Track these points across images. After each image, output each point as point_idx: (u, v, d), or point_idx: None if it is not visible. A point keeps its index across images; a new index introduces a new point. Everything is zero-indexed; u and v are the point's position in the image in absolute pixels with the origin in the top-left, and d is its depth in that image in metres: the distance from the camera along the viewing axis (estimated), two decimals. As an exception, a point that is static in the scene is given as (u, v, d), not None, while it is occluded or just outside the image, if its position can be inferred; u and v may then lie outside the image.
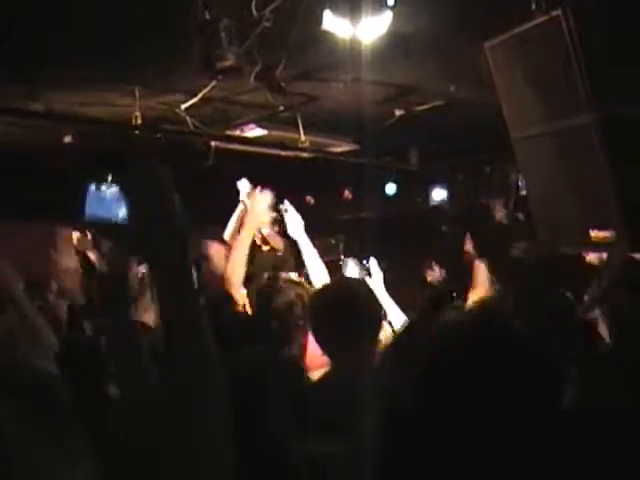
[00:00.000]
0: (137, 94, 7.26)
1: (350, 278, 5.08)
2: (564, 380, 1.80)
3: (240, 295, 4.82)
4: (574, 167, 4.60)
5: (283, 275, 4.65)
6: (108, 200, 1.79)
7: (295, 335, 3.92)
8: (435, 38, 6.02)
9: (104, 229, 1.81)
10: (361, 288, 3.77)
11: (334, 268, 10.42)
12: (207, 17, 4.92)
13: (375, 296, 3.75)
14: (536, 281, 4.18)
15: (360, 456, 2.04)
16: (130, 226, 1.68)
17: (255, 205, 5.18)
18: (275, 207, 5.29)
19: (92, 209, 1.78)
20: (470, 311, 2.47)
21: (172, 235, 1.66)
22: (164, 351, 1.63)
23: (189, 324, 1.64)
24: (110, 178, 1.83)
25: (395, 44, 5.46)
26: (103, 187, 1.81)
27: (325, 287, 4.15)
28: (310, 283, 5.03)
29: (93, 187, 1.81)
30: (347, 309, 3.43)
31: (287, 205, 5.31)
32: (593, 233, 4.57)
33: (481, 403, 1.61)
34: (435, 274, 11.04)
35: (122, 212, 1.72)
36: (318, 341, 3.52)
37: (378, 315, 3.64)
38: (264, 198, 5.25)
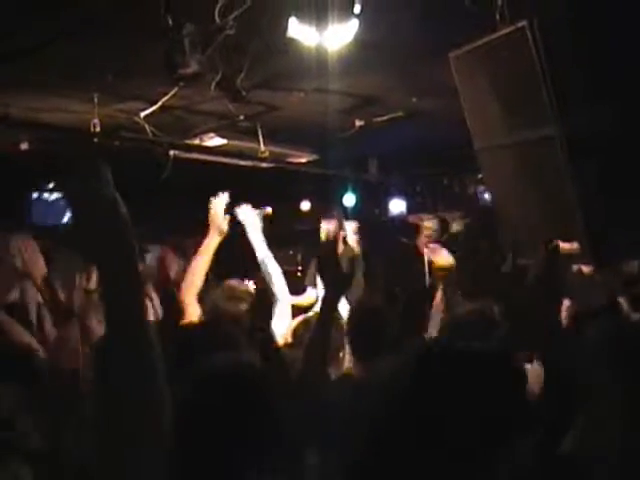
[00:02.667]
0: (96, 100, 7.16)
1: None
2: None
3: (191, 301, 4.77)
4: (538, 178, 4.61)
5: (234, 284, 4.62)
6: (52, 206, 1.80)
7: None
8: (399, 48, 6.00)
9: (48, 233, 1.83)
10: None
11: (292, 278, 10.38)
12: (170, 23, 4.85)
13: None
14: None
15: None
16: (75, 229, 1.66)
17: (213, 211, 5.17)
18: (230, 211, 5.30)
19: (36, 216, 1.79)
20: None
21: (118, 236, 1.66)
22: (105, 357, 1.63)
23: (132, 332, 1.64)
24: (52, 184, 1.84)
25: (360, 53, 5.43)
26: (45, 194, 1.82)
27: None
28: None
29: (36, 194, 1.82)
30: None
31: (245, 208, 5.34)
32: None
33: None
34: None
35: (66, 217, 1.73)
36: None
37: None
38: (219, 202, 5.23)
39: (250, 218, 5.58)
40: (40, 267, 4.81)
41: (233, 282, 4.84)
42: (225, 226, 5.19)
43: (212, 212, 5.17)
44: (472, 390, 1.64)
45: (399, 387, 1.70)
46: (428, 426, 1.60)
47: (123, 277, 1.65)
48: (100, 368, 2.73)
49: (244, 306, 4.23)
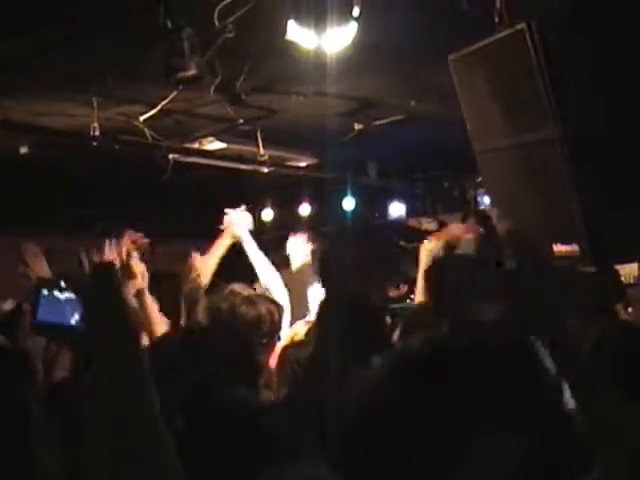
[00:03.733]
0: (95, 104, 7.16)
1: None
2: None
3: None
4: (538, 181, 4.61)
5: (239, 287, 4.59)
6: (61, 305, 1.81)
7: (256, 354, 3.86)
8: (398, 51, 6.01)
9: (56, 333, 1.83)
10: None
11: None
12: (169, 26, 4.86)
13: None
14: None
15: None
16: (84, 333, 1.68)
17: (239, 219, 5.29)
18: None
19: (44, 313, 1.80)
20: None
21: (125, 341, 1.64)
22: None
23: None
24: (63, 283, 1.85)
25: (358, 56, 5.43)
26: (56, 292, 1.82)
27: None
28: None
29: (45, 291, 1.82)
30: None
31: (235, 211, 5.44)
32: (556, 247, 4.57)
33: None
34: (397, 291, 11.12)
35: (75, 317, 1.74)
36: None
37: None
38: (246, 217, 5.37)
39: (241, 221, 5.61)
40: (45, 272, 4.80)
41: (239, 286, 4.82)
42: (239, 231, 5.34)
43: (227, 217, 5.34)
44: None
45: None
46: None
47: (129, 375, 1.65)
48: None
49: (262, 309, 4.20)
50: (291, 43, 4.86)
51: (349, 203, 11.04)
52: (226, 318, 4.25)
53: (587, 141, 4.20)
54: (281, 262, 8.00)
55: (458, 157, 6.50)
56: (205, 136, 8.54)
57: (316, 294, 7.36)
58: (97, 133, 7.31)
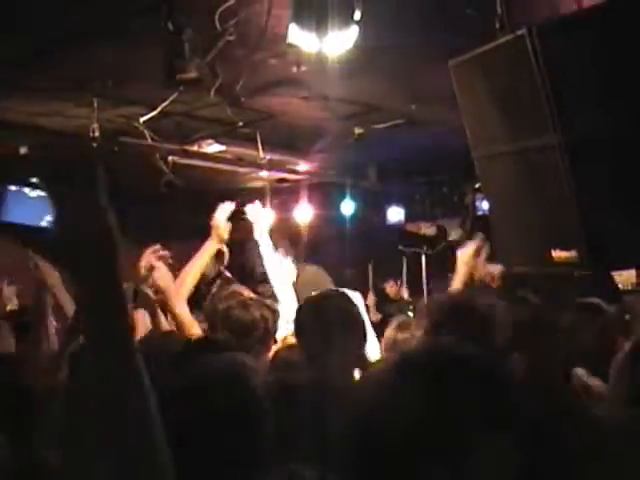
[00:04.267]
0: (95, 105, 7.16)
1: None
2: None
3: (181, 307, 4.74)
4: (537, 187, 4.60)
5: (244, 292, 4.58)
6: (31, 203, 1.63)
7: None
8: (399, 55, 6.02)
9: (23, 235, 1.63)
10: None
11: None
12: (171, 28, 4.86)
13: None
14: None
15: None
16: (55, 233, 1.53)
17: (217, 219, 5.15)
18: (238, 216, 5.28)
19: (11, 212, 1.63)
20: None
21: (103, 246, 1.52)
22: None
23: (116, 358, 1.50)
24: (35, 180, 1.66)
25: (359, 60, 5.44)
26: (26, 189, 1.65)
27: None
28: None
29: (13, 188, 1.65)
30: None
31: (255, 206, 5.32)
32: (555, 253, 4.56)
33: None
34: (393, 289, 11.17)
35: (46, 217, 1.56)
36: None
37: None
38: (223, 210, 5.21)
39: (260, 217, 5.55)
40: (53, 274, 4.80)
41: (241, 289, 4.81)
42: (226, 234, 5.18)
43: (215, 219, 5.16)
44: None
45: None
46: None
47: (105, 294, 1.51)
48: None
49: (256, 314, 4.20)
50: (292, 46, 4.87)
51: (348, 207, 11.05)
52: (219, 321, 4.26)
53: (587, 147, 4.20)
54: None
55: (457, 162, 6.51)
56: (204, 138, 8.54)
57: None
58: (97, 134, 7.31)
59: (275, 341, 4.36)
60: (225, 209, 5.24)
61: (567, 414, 1.78)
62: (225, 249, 6.48)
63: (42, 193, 1.60)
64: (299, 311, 3.83)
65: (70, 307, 4.75)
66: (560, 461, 1.71)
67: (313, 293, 6.08)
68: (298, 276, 7.70)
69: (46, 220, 1.54)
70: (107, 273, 1.52)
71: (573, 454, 1.72)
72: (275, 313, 4.31)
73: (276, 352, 4.09)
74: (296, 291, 7.23)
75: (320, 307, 3.62)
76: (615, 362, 2.94)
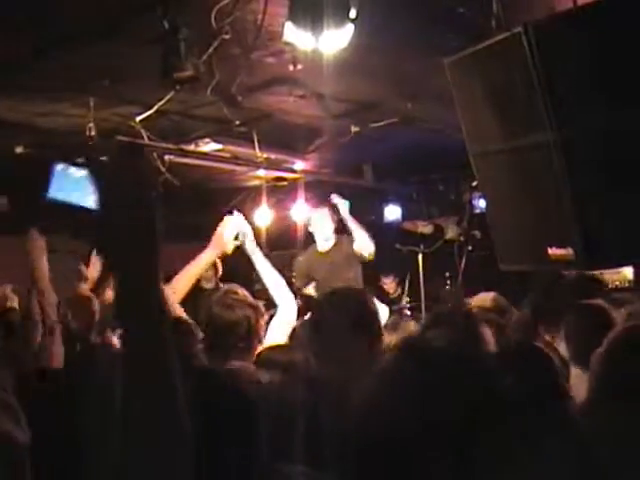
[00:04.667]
0: (91, 104, 7.16)
1: None
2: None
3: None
4: (533, 184, 4.61)
5: (239, 291, 4.54)
6: (75, 183, 1.63)
7: (231, 356, 3.88)
8: (395, 53, 6.03)
9: (66, 216, 1.62)
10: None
11: (287, 284, 10.38)
12: (167, 27, 4.86)
13: None
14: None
15: None
16: (98, 214, 1.51)
17: (224, 229, 5.01)
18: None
19: (56, 191, 1.62)
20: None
21: (143, 231, 1.51)
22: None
23: (150, 342, 1.51)
24: (80, 161, 1.65)
25: (355, 58, 5.45)
26: (71, 169, 1.65)
27: None
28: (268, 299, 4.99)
29: (60, 167, 1.64)
30: None
31: (238, 218, 5.19)
32: (551, 251, 4.58)
33: None
34: (390, 285, 11.20)
35: (89, 198, 1.55)
36: None
37: None
38: (229, 222, 5.07)
39: (245, 228, 5.46)
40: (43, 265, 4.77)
41: (233, 288, 4.75)
42: (230, 247, 5.04)
43: (219, 230, 5.00)
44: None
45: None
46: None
47: (142, 278, 1.52)
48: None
49: (239, 314, 4.19)
50: (288, 45, 4.87)
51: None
52: (203, 320, 4.28)
53: (582, 144, 4.21)
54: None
55: (454, 160, 6.51)
56: (201, 137, 8.53)
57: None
58: (93, 133, 7.30)
59: (260, 341, 4.32)
60: (233, 222, 5.08)
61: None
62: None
63: (86, 173, 1.58)
64: (318, 306, 3.82)
65: (51, 296, 4.74)
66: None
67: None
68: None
69: (90, 201, 1.53)
70: (146, 259, 1.52)
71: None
72: (258, 312, 4.28)
73: (259, 353, 4.08)
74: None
75: (340, 303, 3.58)
76: (594, 357, 2.95)
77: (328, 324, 3.45)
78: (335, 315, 3.44)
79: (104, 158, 1.55)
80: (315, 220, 8.47)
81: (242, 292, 4.47)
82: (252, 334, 4.19)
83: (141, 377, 1.50)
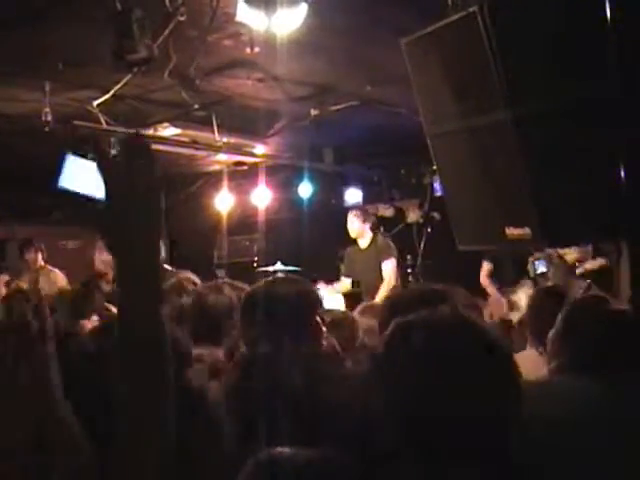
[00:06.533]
0: (47, 89, 7.06)
1: None
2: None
3: None
4: (489, 164, 4.61)
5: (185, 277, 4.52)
6: (85, 174, 1.66)
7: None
8: (351, 34, 6.00)
9: (75, 204, 1.69)
10: None
11: (249, 269, 10.42)
12: (119, 8, 4.80)
13: None
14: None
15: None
16: (106, 204, 1.56)
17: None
18: None
19: (66, 180, 1.66)
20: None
21: (148, 220, 1.58)
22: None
23: (148, 327, 1.59)
24: (91, 152, 1.69)
25: (310, 39, 5.42)
26: (82, 160, 1.69)
27: None
28: None
29: (71, 157, 1.69)
30: None
31: None
32: (509, 231, 4.58)
33: None
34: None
35: (98, 189, 1.59)
36: None
37: None
38: None
39: None
40: None
41: (185, 275, 4.73)
42: None
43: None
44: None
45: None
46: None
47: (146, 268, 1.60)
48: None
49: (232, 296, 4.15)
50: (245, 27, 4.84)
51: (306, 189, 11.03)
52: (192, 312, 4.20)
53: (537, 123, 4.21)
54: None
55: (415, 143, 6.49)
56: (160, 122, 8.46)
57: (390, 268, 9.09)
58: (49, 118, 7.21)
59: None
60: None
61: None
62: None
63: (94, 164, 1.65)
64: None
65: None
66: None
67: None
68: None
69: (99, 192, 1.58)
70: (149, 248, 1.60)
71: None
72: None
73: None
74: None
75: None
76: (551, 335, 2.99)
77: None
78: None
79: (114, 150, 1.59)
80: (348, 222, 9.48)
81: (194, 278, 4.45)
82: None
83: (137, 350, 1.58)
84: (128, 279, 1.60)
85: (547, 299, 4.38)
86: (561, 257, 4.57)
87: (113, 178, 1.57)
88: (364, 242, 9.50)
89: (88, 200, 1.63)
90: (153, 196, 1.60)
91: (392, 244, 9.58)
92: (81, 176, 1.66)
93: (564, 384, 2.73)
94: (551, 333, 3.01)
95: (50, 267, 9.57)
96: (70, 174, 1.62)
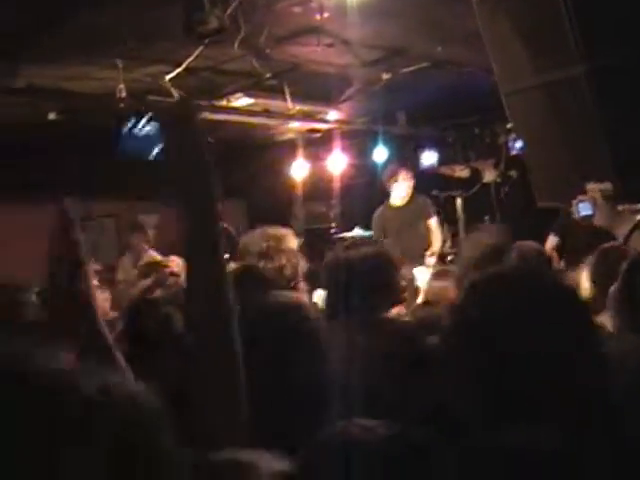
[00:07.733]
0: (120, 66, 7.14)
1: None
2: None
3: None
4: (566, 119, 4.56)
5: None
6: (142, 138, 1.83)
7: None
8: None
9: (139, 166, 1.90)
10: None
11: (325, 235, 10.43)
12: (189, -19, 4.84)
13: None
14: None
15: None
16: (166, 161, 1.77)
17: None
18: None
19: (127, 146, 1.81)
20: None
21: (204, 177, 1.73)
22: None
23: (214, 284, 1.72)
24: (148, 117, 1.89)
25: (381, 4, 5.38)
26: (138, 126, 1.85)
27: None
28: None
29: (129, 124, 1.84)
30: None
31: None
32: (589, 186, 4.52)
33: None
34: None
35: (155, 150, 1.76)
36: None
37: None
38: None
39: None
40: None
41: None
42: None
43: None
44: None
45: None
46: None
47: (205, 214, 1.74)
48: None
49: (283, 259, 4.22)
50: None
51: (380, 154, 10.98)
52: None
53: (613, 75, 4.14)
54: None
55: (488, 103, 6.42)
56: (232, 92, 8.50)
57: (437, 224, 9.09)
58: (123, 95, 7.29)
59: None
60: None
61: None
62: None
63: (149, 131, 1.82)
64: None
65: None
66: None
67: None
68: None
69: (155, 152, 1.74)
70: (207, 195, 1.75)
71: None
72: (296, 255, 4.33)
73: None
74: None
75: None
76: (611, 293, 2.92)
77: None
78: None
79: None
80: (398, 180, 9.25)
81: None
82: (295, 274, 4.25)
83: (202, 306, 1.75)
84: (193, 224, 1.74)
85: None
86: (606, 197, 4.40)
87: (168, 142, 1.76)
88: (402, 200, 9.33)
89: (144, 161, 1.85)
90: (201, 155, 1.76)
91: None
92: (138, 140, 1.85)
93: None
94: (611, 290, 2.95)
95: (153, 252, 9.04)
96: (128, 140, 1.80)
